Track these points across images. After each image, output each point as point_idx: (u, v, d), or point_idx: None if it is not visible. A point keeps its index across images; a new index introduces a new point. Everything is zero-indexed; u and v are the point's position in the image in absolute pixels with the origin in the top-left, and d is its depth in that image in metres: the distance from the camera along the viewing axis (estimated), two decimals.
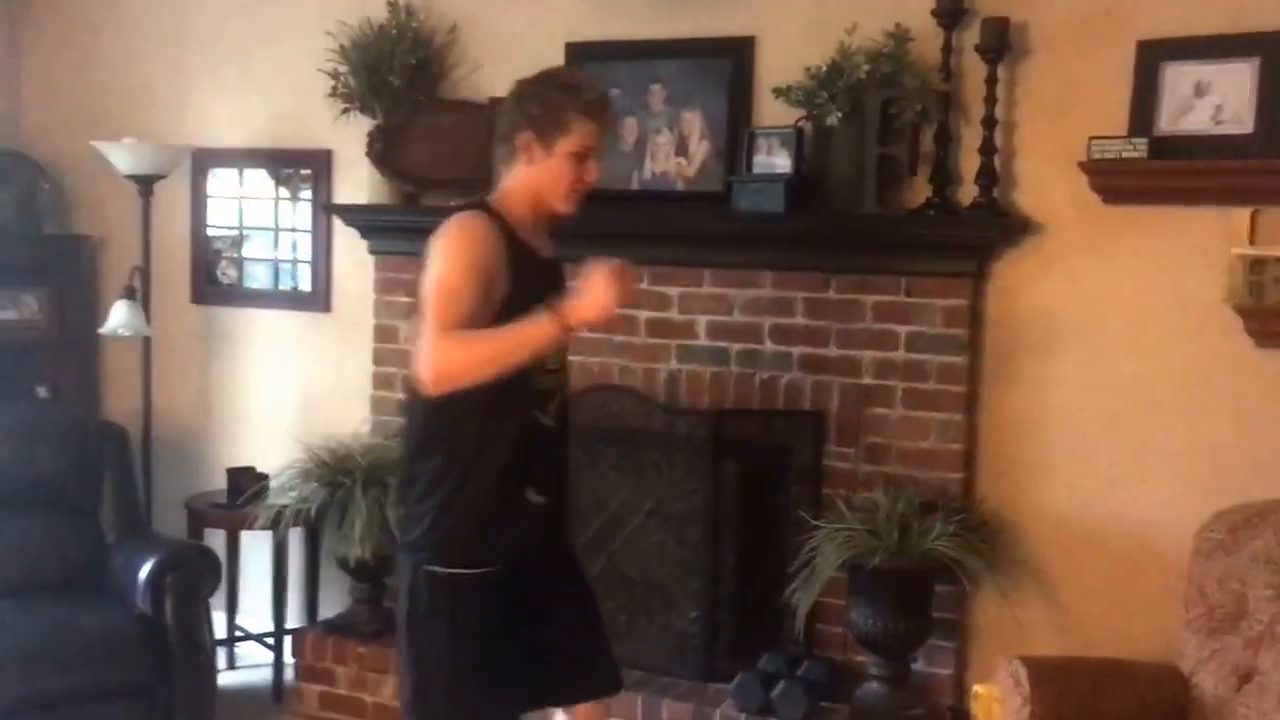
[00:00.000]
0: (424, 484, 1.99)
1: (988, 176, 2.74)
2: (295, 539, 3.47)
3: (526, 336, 1.87)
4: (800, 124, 2.89)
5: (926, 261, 2.81)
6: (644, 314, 3.03)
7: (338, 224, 3.58)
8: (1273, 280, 2.52)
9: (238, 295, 3.83)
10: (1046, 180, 2.75)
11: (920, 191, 2.82)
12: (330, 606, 3.46)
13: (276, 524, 3.21)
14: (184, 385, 3.88)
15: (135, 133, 3.68)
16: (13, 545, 3.11)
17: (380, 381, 3.46)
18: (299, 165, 3.69)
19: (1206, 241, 2.59)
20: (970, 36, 2.76)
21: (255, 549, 3.56)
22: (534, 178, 2.00)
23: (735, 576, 3.01)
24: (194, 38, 3.82)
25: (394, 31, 3.34)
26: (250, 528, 3.38)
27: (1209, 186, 2.57)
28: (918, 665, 2.80)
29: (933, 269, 2.81)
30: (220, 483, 3.56)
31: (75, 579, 3.15)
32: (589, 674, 2.15)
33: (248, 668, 3.64)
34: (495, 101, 3.24)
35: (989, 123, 2.73)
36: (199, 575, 3.07)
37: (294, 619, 3.53)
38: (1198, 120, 2.58)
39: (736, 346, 3.00)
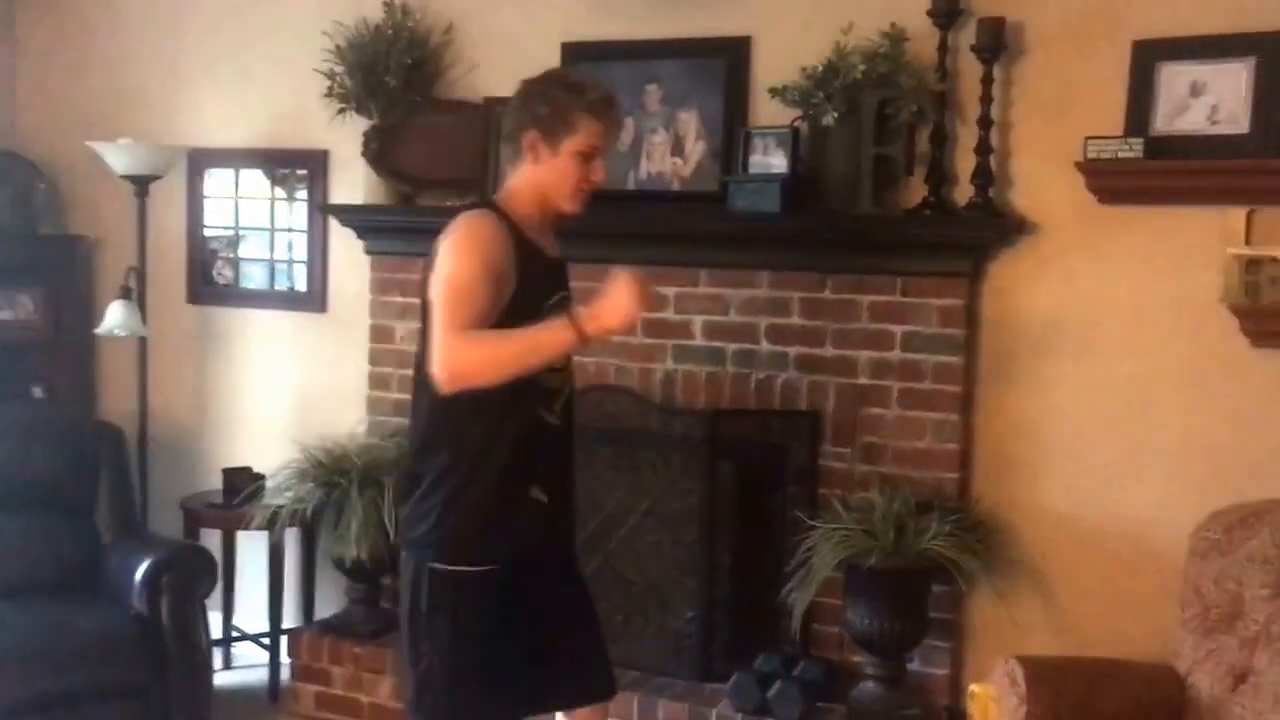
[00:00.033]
0: (429, 481, 2.00)
1: (984, 176, 2.75)
2: (291, 539, 3.47)
3: (544, 341, 1.88)
4: (796, 124, 2.89)
5: (922, 261, 2.81)
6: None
7: (334, 224, 3.57)
8: (1268, 280, 2.53)
9: (234, 295, 3.82)
10: (1042, 180, 2.75)
11: (916, 191, 2.82)
12: (326, 606, 3.46)
13: (272, 524, 3.21)
14: (180, 385, 3.87)
15: (131, 133, 3.67)
16: (9, 546, 3.11)
17: (376, 381, 3.45)
18: (295, 165, 3.69)
19: (1202, 241, 2.60)
20: (966, 36, 2.76)
21: (251, 549, 3.55)
22: (540, 177, 2.01)
23: (731, 576, 3.01)
24: (190, 37, 3.82)
25: (390, 31, 3.34)
26: (246, 528, 3.38)
27: (1205, 186, 2.58)
28: (914, 665, 2.80)
29: (929, 269, 2.81)
30: (216, 483, 3.56)
31: (71, 579, 3.14)
32: (586, 677, 2.15)
33: (244, 668, 3.64)
34: (491, 101, 3.25)
35: (985, 123, 2.73)
36: (195, 575, 3.07)
37: (290, 619, 3.53)
38: (1193, 120, 2.58)
39: (732, 346, 3.00)
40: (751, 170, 2.90)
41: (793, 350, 2.95)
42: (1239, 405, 2.60)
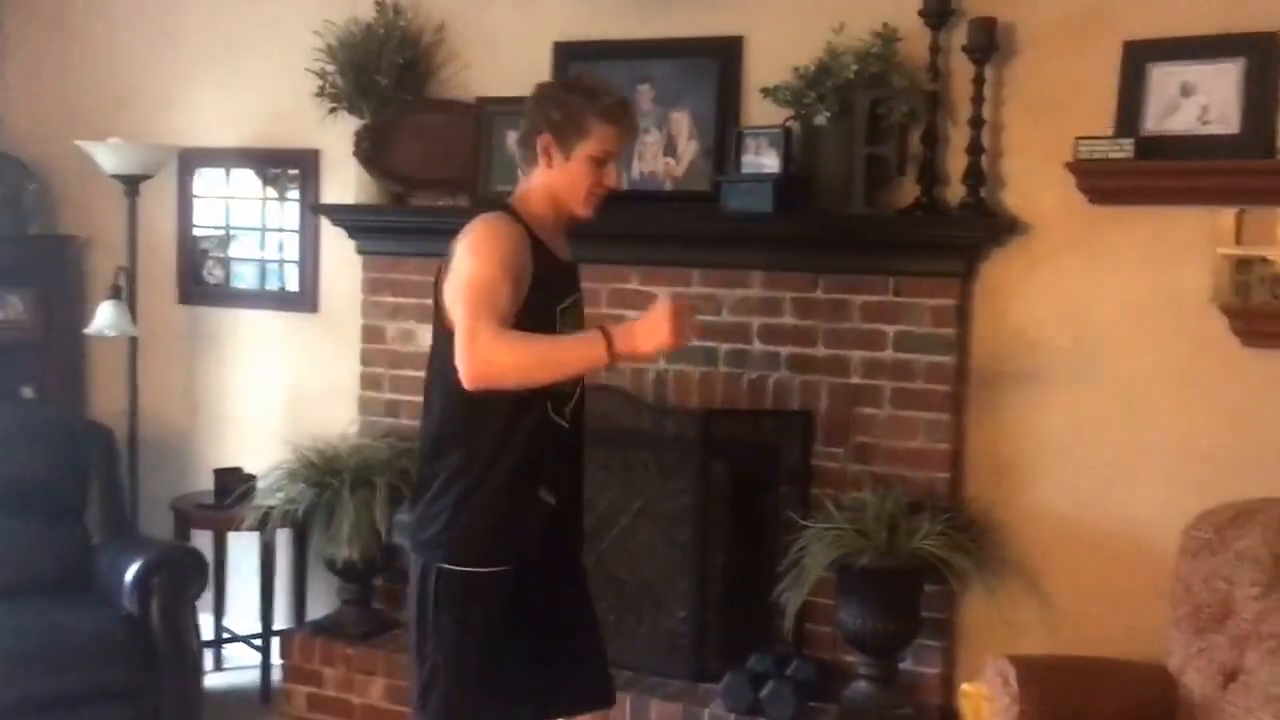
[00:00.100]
0: (440, 483, 2.00)
1: (975, 177, 2.75)
2: (282, 540, 3.46)
3: (575, 353, 1.87)
4: (788, 124, 2.89)
5: (914, 261, 2.82)
6: (633, 314, 2.99)
7: (325, 224, 3.56)
8: (1258, 280, 2.54)
9: (224, 295, 3.81)
10: (1034, 180, 2.76)
11: (908, 191, 2.83)
12: (318, 608, 3.45)
13: (264, 525, 3.20)
14: (170, 386, 3.86)
15: (121, 132, 3.66)
16: None
17: (368, 382, 3.45)
18: (286, 165, 3.68)
19: (1193, 241, 2.60)
20: (958, 37, 2.77)
21: (242, 550, 3.55)
22: (553, 181, 2.01)
23: (724, 576, 3.01)
24: (180, 37, 3.81)
25: (382, 31, 3.33)
26: (237, 529, 3.37)
27: (1195, 187, 2.58)
28: (906, 664, 2.80)
29: (921, 269, 2.81)
30: (207, 484, 3.55)
31: (61, 580, 3.13)
32: (586, 685, 2.15)
33: (235, 669, 3.63)
34: (483, 101, 3.25)
35: (976, 123, 2.74)
36: (186, 576, 3.06)
37: (281, 620, 3.52)
38: (1184, 120, 2.59)
39: (725, 346, 3.00)
40: (744, 170, 2.90)
41: (785, 350, 2.95)
42: (1230, 405, 2.61)
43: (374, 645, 3.19)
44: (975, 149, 2.75)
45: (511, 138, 3.16)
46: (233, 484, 3.42)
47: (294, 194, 3.69)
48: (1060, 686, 2.25)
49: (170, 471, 3.77)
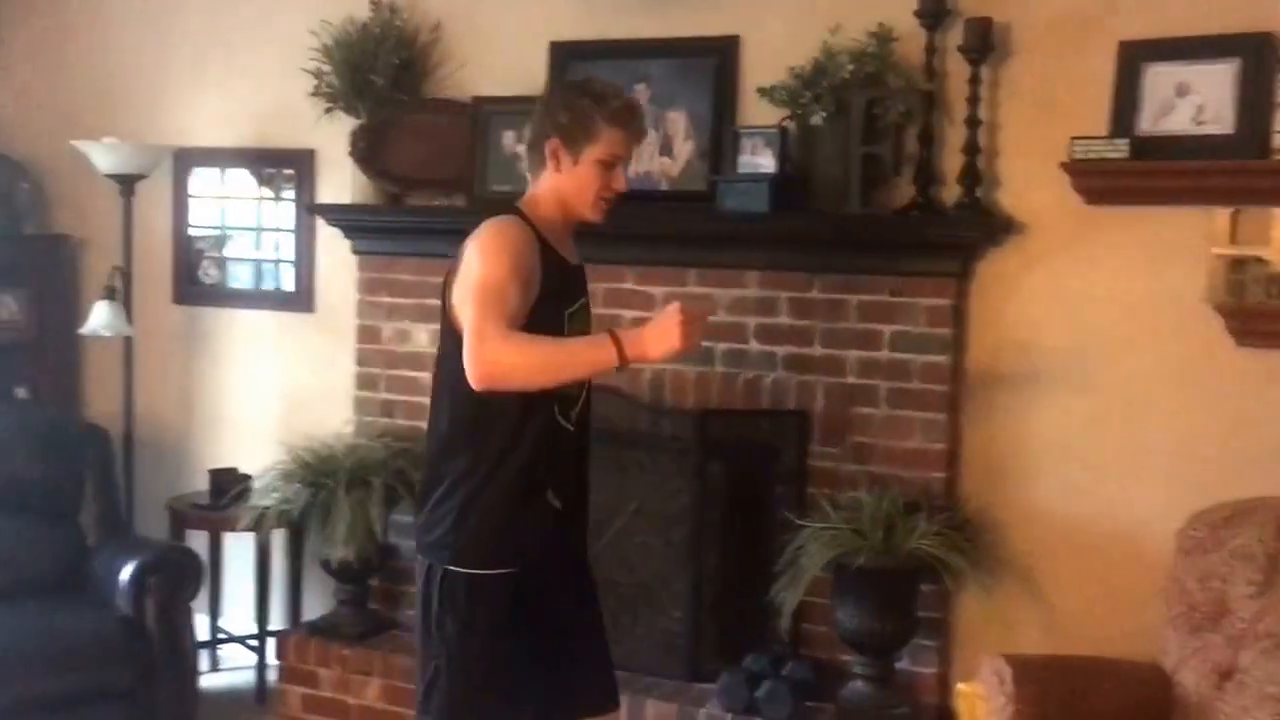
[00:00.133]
0: (447, 485, 2.00)
1: (971, 176, 2.75)
2: (278, 540, 3.45)
3: (583, 356, 1.87)
4: (784, 124, 2.90)
5: (911, 261, 2.82)
6: (628, 314, 3.02)
7: (321, 224, 3.56)
8: (1253, 280, 2.54)
9: (220, 295, 3.81)
10: (1029, 180, 2.76)
11: (904, 191, 2.83)
12: (313, 608, 3.45)
13: (259, 525, 3.20)
14: (165, 386, 3.85)
15: (116, 132, 3.65)
16: None
17: (363, 382, 3.44)
18: (282, 165, 3.67)
19: (1188, 241, 2.61)
20: (953, 37, 2.77)
21: (238, 550, 3.54)
22: (562, 184, 2.02)
23: (720, 576, 3.01)
24: (175, 36, 3.80)
25: (377, 30, 3.33)
26: (233, 529, 3.37)
27: (1190, 187, 2.59)
28: (902, 664, 2.80)
29: (917, 268, 2.81)
30: (202, 484, 3.54)
31: (56, 582, 3.13)
32: (590, 687, 2.15)
33: (230, 670, 3.63)
34: (479, 101, 3.25)
35: (972, 123, 2.74)
36: (181, 577, 3.06)
37: (277, 621, 3.52)
38: (1179, 121, 2.59)
39: (721, 346, 3.00)
40: (740, 170, 2.90)
41: (781, 350, 2.95)
42: (1225, 404, 2.61)
43: (370, 646, 3.19)
44: (971, 149, 2.75)
45: (508, 137, 3.19)
46: (228, 484, 3.42)
47: (290, 194, 3.68)
48: (1056, 686, 2.25)
49: (166, 472, 3.76)
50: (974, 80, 2.73)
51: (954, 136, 2.80)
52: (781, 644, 2.90)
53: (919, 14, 2.75)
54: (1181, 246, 2.62)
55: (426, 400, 3.26)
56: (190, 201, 3.83)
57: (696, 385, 3.03)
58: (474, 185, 3.22)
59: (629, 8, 3.11)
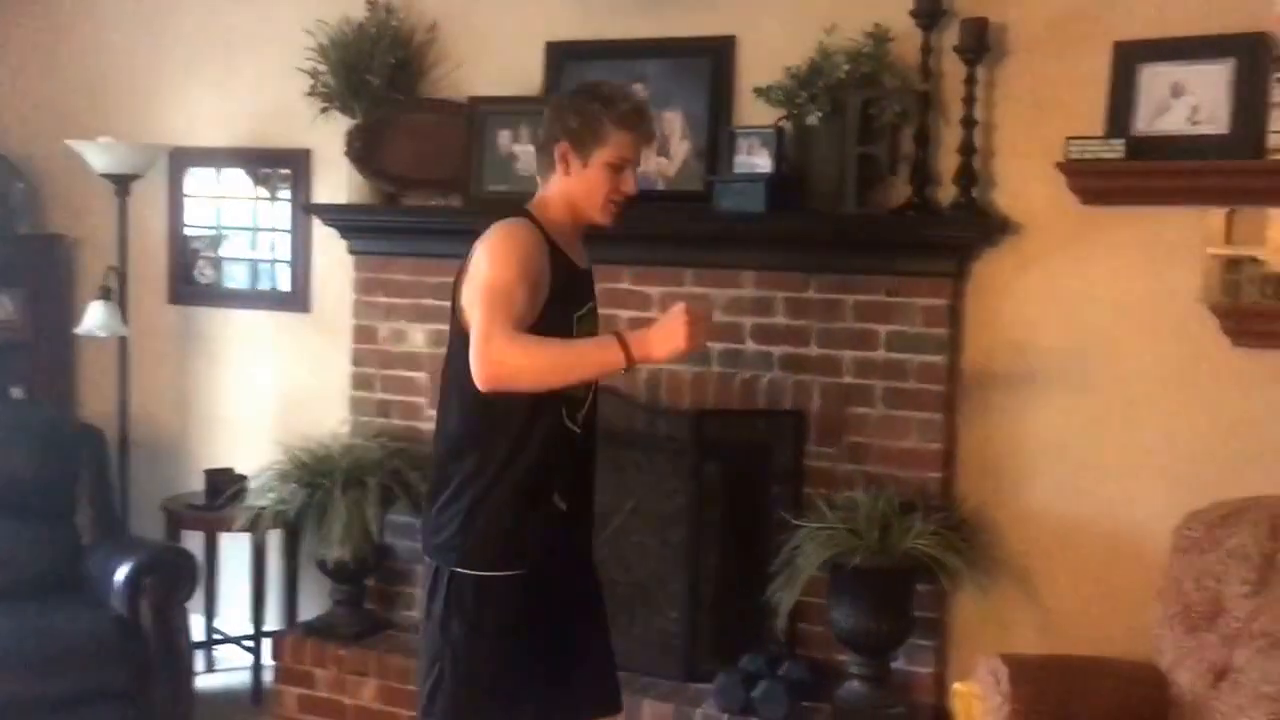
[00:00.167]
0: (454, 487, 2.01)
1: (967, 177, 2.76)
2: (274, 541, 3.45)
3: (589, 357, 1.88)
4: (780, 124, 2.90)
5: (907, 261, 2.82)
6: (625, 314, 3.02)
7: (317, 224, 3.55)
8: (1248, 280, 2.55)
9: (216, 295, 3.80)
10: (1025, 180, 2.76)
11: (900, 191, 2.83)
12: (309, 609, 3.44)
13: (255, 526, 3.19)
14: (161, 386, 3.85)
15: (111, 131, 3.65)
16: None
17: (359, 382, 3.44)
18: (278, 165, 3.67)
19: (1183, 241, 2.61)
20: (949, 37, 2.77)
21: (234, 551, 3.54)
22: (571, 188, 2.02)
23: (716, 576, 3.01)
24: (171, 35, 3.79)
25: (373, 30, 3.32)
26: (229, 529, 3.36)
27: (1185, 187, 2.59)
28: (898, 664, 2.81)
29: (913, 269, 2.82)
30: (198, 484, 3.54)
31: (51, 582, 3.12)
32: (594, 689, 2.15)
33: (226, 670, 3.62)
34: (475, 101, 3.25)
35: (968, 123, 2.74)
36: (176, 578, 3.05)
37: (272, 621, 3.51)
38: (1174, 121, 2.59)
39: (717, 346, 3.00)
40: (736, 170, 2.90)
41: (778, 350, 2.95)
42: (1220, 404, 2.62)
43: (366, 646, 3.18)
44: (967, 149, 2.75)
45: (504, 137, 3.18)
46: (224, 484, 3.42)
47: (285, 194, 3.68)
48: (1052, 685, 2.25)
49: (161, 472, 3.76)
50: (970, 80, 2.73)
51: (950, 137, 2.80)
52: (778, 644, 2.91)
53: (915, 14, 2.76)
54: (1177, 246, 2.62)
55: (422, 400, 3.33)
56: (186, 201, 3.83)
57: (693, 385, 3.03)
58: (470, 185, 3.22)
59: (625, 8, 3.11)
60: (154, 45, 3.81)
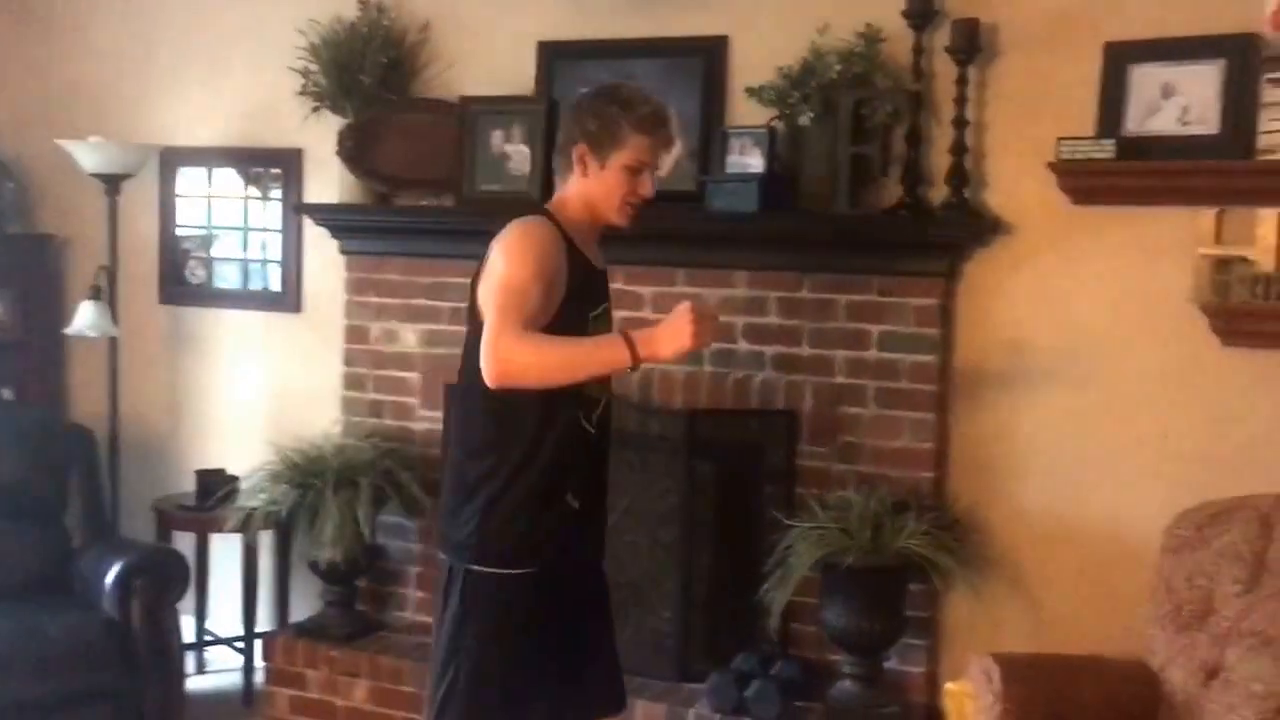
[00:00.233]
0: (470, 485, 2.03)
1: (959, 177, 2.76)
2: (265, 542, 3.44)
3: (596, 356, 1.89)
4: (773, 124, 2.90)
5: (898, 261, 2.82)
6: (618, 314, 3.01)
7: (308, 224, 3.55)
8: (1238, 280, 2.56)
9: (207, 295, 3.79)
10: (1017, 180, 2.77)
11: (892, 191, 2.84)
12: (301, 610, 3.43)
13: (246, 526, 3.18)
14: (152, 386, 3.83)
15: (102, 131, 3.63)
16: None
17: (351, 382, 3.43)
18: (269, 164, 3.66)
19: (1173, 241, 2.62)
20: (941, 38, 2.78)
21: (225, 552, 3.52)
22: (588, 189, 2.04)
23: (709, 576, 3.01)
24: (162, 34, 3.78)
25: (365, 29, 3.32)
26: (220, 530, 3.35)
27: (1175, 187, 2.60)
28: (891, 663, 2.81)
29: (905, 268, 2.82)
30: (189, 485, 3.52)
31: (41, 584, 3.11)
32: (599, 689, 2.16)
33: (217, 672, 3.61)
34: (467, 101, 3.24)
35: (960, 123, 2.75)
36: (167, 579, 3.04)
37: (264, 622, 3.50)
38: (1164, 121, 2.60)
39: (710, 346, 3.00)
40: (729, 170, 2.91)
41: (770, 349, 2.96)
42: (1210, 403, 2.63)
43: (357, 647, 3.18)
44: (958, 149, 2.76)
45: (496, 137, 3.18)
46: (215, 485, 3.40)
47: (277, 193, 3.66)
48: (1044, 684, 2.26)
49: (152, 473, 3.74)
50: (961, 81, 2.73)
51: (941, 137, 2.80)
52: (770, 644, 2.91)
53: (906, 14, 2.76)
54: (1167, 246, 2.63)
55: (414, 400, 3.33)
56: (177, 201, 3.81)
57: (685, 385, 3.03)
58: (462, 185, 3.21)
59: (617, 8, 3.11)
60: (144, 44, 3.80)
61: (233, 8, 3.66)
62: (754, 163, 2.88)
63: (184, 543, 3.42)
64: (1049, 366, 2.77)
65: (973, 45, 2.72)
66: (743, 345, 2.98)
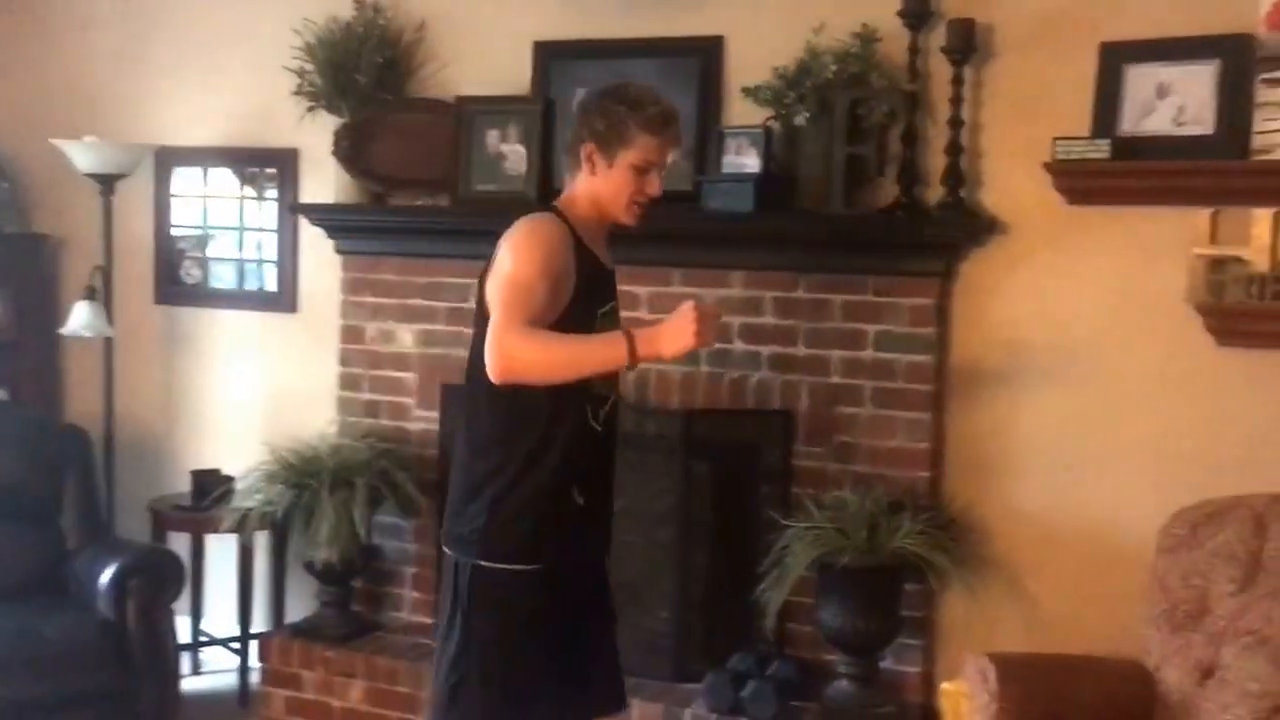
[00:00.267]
0: (478, 481, 2.04)
1: (954, 177, 2.76)
2: (261, 542, 3.43)
3: (598, 353, 1.91)
4: (769, 124, 2.90)
5: (894, 261, 2.83)
6: None
7: (304, 224, 3.54)
8: (1233, 279, 2.56)
9: (202, 295, 3.78)
10: (1012, 181, 2.77)
11: (888, 191, 2.84)
12: (296, 610, 3.43)
13: (242, 527, 3.18)
14: (147, 387, 3.82)
15: (97, 130, 3.63)
16: None
17: (347, 382, 3.42)
18: (265, 164, 3.65)
19: (1168, 241, 2.63)
20: (936, 38, 2.78)
21: (220, 552, 3.52)
22: (596, 188, 2.05)
23: (705, 576, 3.02)
24: (157, 34, 3.77)
25: (361, 29, 3.31)
26: (215, 531, 3.35)
27: (1170, 187, 2.60)
28: (887, 663, 2.81)
29: (900, 268, 2.82)
30: (184, 485, 3.52)
31: (36, 585, 3.10)
32: (600, 687, 2.17)
33: (213, 673, 3.61)
34: (463, 100, 3.24)
35: (955, 123, 2.75)
36: (162, 579, 3.03)
37: (260, 623, 3.50)
38: (1159, 121, 2.61)
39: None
40: (724, 170, 2.91)
41: (766, 349, 2.96)
42: (1205, 403, 2.63)
43: (353, 648, 3.17)
44: (954, 149, 2.76)
45: (492, 137, 3.18)
46: (210, 485, 3.40)
47: (272, 193, 3.66)
48: (1039, 684, 2.26)
49: (147, 473, 3.74)
50: (957, 81, 2.74)
51: (937, 137, 2.81)
52: (766, 643, 2.91)
53: (902, 14, 2.76)
54: (1162, 246, 2.63)
55: (410, 400, 3.32)
56: (172, 201, 3.81)
57: (682, 385, 3.03)
58: (458, 185, 3.21)
59: (614, 8, 3.11)
60: (140, 44, 3.79)
61: (228, 7, 3.66)
62: (750, 163, 2.88)
63: (179, 543, 3.42)
64: (1044, 366, 2.77)
65: (968, 45, 2.73)
66: (739, 345, 2.98)
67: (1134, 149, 2.59)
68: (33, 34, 3.95)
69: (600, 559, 2.20)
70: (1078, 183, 2.65)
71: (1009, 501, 2.82)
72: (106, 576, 2.97)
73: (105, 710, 2.90)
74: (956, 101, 2.74)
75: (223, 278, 3.76)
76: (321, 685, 3.18)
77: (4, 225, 3.92)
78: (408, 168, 3.29)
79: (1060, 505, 2.77)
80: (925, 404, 2.82)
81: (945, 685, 2.38)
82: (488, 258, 2.03)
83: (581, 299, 1.99)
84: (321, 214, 3.43)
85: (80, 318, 3.52)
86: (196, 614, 3.59)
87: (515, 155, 3.12)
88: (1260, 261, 2.52)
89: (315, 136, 3.42)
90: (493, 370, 1.90)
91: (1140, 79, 2.62)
